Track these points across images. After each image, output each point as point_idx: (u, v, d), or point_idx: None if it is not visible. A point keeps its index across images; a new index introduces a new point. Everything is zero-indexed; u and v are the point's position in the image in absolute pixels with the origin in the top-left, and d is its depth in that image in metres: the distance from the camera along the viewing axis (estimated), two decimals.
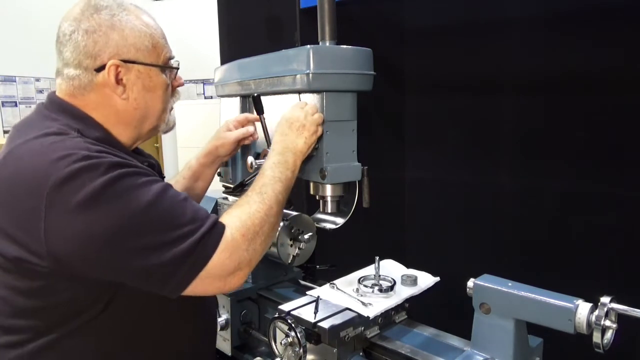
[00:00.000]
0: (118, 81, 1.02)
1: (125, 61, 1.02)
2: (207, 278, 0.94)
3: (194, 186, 1.47)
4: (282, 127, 1.20)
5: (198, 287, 0.94)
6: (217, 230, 0.96)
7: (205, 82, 8.66)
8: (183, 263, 0.90)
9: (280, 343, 1.13)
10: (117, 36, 1.01)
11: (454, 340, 1.17)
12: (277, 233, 1.44)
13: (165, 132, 1.21)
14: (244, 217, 1.01)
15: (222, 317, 1.47)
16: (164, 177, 1.21)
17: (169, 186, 0.98)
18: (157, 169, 1.19)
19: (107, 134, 1.04)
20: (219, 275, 0.95)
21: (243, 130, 1.43)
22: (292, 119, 1.19)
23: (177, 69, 1.17)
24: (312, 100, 1.21)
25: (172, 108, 1.20)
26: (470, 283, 1.04)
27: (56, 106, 1.03)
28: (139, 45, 1.04)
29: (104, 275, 0.92)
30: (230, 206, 1.08)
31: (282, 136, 1.18)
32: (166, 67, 1.11)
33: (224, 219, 1.01)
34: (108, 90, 1.03)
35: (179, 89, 1.23)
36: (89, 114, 1.03)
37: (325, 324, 1.10)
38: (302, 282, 1.58)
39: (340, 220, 1.34)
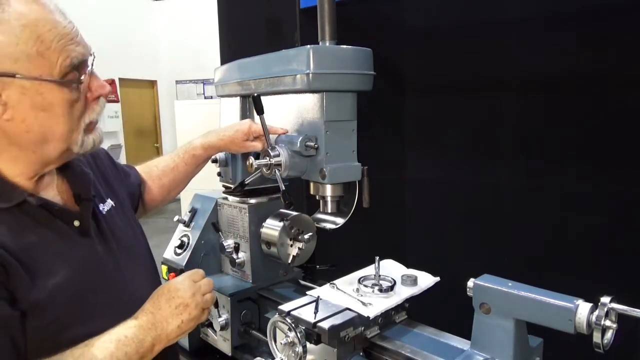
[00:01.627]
0: None
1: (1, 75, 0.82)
2: None
3: (194, 171, 1.46)
4: (159, 297, 0.98)
5: None
6: None
7: (205, 82, 8.68)
8: None
9: (280, 343, 1.13)
10: None
11: (454, 340, 1.17)
12: (278, 234, 1.45)
13: (85, 153, 0.98)
14: None
15: (222, 317, 1.47)
16: (89, 198, 1.03)
17: None
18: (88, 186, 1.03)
19: None
20: None
21: (259, 146, 1.37)
22: (175, 292, 0.99)
23: (78, 82, 0.89)
24: (311, 100, 1.21)
25: (92, 125, 0.96)
26: (470, 283, 1.04)
27: None
28: (17, 55, 0.82)
29: None
30: None
31: (155, 308, 0.96)
32: (63, 81, 0.87)
33: None
34: None
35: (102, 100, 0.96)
36: None
37: (325, 324, 1.10)
38: (302, 282, 1.58)
39: (340, 220, 1.35)
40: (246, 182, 1.46)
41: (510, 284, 1.00)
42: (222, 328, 1.47)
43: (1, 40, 0.81)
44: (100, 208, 1.08)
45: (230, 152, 1.49)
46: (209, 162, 1.57)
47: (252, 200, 1.55)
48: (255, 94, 1.22)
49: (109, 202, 1.12)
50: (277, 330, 1.16)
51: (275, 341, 1.16)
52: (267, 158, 1.22)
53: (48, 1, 0.88)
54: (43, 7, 0.86)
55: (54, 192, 1.00)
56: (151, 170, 1.43)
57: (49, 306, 0.86)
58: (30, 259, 0.86)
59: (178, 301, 0.98)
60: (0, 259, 0.81)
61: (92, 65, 0.93)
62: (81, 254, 0.96)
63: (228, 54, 2.41)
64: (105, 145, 1.38)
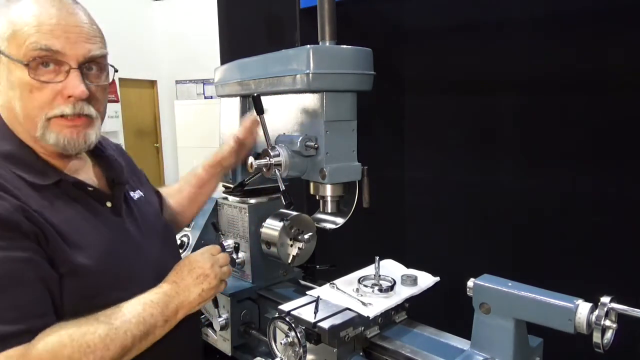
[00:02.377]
0: None
1: None
2: None
3: (200, 192, 1.43)
4: (181, 269, 1.07)
5: None
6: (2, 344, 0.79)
7: (205, 82, 8.66)
8: None
9: (280, 343, 1.13)
10: None
11: (454, 340, 1.17)
12: (278, 234, 1.45)
13: (59, 149, 0.97)
14: (64, 341, 0.83)
15: (222, 317, 1.47)
16: (123, 182, 1.11)
17: (8, 263, 0.83)
18: (117, 171, 1.11)
19: (17, 146, 0.96)
20: None
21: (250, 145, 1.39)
22: (196, 263, 1.08)
23: (26, 64, 0.91)
24: (312, 100, 1.21)
25: (54, 122, 0.95)
26: (470, 283, 1.04)
27: None
28: (1, 34, 0.92)
29: None
30: (76, 320, 0.88)
31: (178, 278, 1.05)
32: (24, 63, 0.91)
33: (50, 330, 0.84)
34: None
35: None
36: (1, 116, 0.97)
37: (325, 324, 1.10)
38: (302, 282, 1.58)
39: (340, 220, 1.35)
40: (246, 182, 1.46)
41: (510, 284, 1.00)
42: (222, 328, 1.47)
43: None
44: (131, 195, 1.15)
45: (227, 162, 1.42)
46: None
47: (252, 200, 1.55)
48: (255, 94, 1.22)
49: (138, 192, 1.19)
50: (277, 330, 1.16)
51: (275, 341, 1.17)
52: (267, 158, 1.22)
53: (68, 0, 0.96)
54: (48, 1, 0.93)
55: (88, 175, 1.07)
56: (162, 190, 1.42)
57: (85, 272, 0.93)
58: (69, 229, 0.93)
59: (199, 272, 1.06)
60: (40, 225, 0.88)
61: (92, 69, 1.00)
62: (114, 230, 1.04)
63: (228, 54, 2.41)
64: None
